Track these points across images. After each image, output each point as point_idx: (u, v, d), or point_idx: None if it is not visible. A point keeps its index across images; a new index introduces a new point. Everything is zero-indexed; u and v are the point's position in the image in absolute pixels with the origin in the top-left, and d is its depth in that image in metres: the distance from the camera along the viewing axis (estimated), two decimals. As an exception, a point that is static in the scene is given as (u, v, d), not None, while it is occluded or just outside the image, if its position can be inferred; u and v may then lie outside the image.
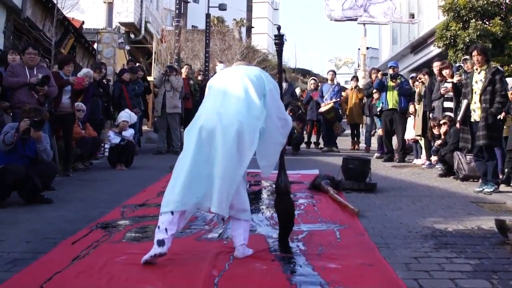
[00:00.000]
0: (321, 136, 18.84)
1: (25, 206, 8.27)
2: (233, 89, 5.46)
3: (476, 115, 9.80)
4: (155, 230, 5.32)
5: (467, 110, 9.97)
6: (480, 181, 10.16)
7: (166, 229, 5.23)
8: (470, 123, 9.94)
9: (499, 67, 11.02)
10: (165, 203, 5.30)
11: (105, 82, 15.85)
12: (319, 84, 19.81)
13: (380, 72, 16.75)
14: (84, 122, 13.21)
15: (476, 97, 9.82)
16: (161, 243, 5.21)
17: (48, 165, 8.67)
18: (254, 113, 5.36)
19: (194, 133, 5.27)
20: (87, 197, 9.19)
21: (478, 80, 9.83)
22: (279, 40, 6.19)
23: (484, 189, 9.72)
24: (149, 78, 20.62)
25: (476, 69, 9.94)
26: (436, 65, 13.43)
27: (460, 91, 11.62)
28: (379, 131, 16.46)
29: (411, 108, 14.96)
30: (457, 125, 10.40)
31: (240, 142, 5.22)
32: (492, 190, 9.51)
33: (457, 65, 13.75)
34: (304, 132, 18.60)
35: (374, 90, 16.05)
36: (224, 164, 5.17)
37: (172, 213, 5.23)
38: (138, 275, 5.00)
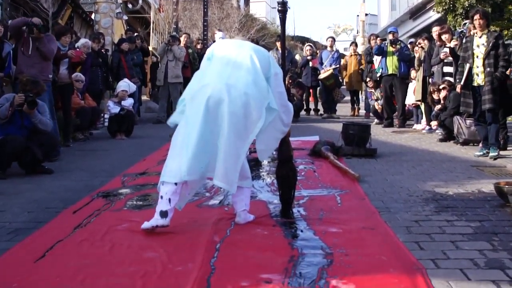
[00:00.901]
0: (321, 102, 18.79)
1: (26, 176, 8.28)
2: (242, 62, 5.33)
3: (479, 79, 9.72)
4: (158, 200, 5.29)
5: (470, 74, 9.89)
6: (481, 145, 10.14)
7: (169, 200, 5.18)
8: (472, 87, 9.88)
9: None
10: (168, 173, 5.22)
11: (104, 52, 15.77)
12: (317, 51, 19.71)
13: (378, 38, 16.65)
14: (83, 92, 13.17)
15: (478, 61, 9.73)
16: (164, 214, 5.18)
17: (48, 136, 8.65)
18: (262, 91, 5.28)
19: (202, 103, 5.13)
20: (87, 166, 9.20)
21: (480, 44, 9.74)
22: (283, 8, 6.15)
23: (484, 153, 9.71)
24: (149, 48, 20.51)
25: (476, 33, 9.86)
26: (435, 30, 13.34)
27: (458, 56, 11.57)
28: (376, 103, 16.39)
29: (412, 74, 14.89)
30: (458, 89, 10.31)
31: (248, 116, 5.16)
32: (496, 154, 9.48)
33: (460, 30, 13.65)
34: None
35: (375, 57, 15.96)
36: (230, 139, 5.11)
37: (175, 183, 5.19)
38: (140, 242, 5.02)
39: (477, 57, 9.73)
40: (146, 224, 5.25)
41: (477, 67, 9.73)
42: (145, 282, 4.08)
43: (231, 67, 5.28)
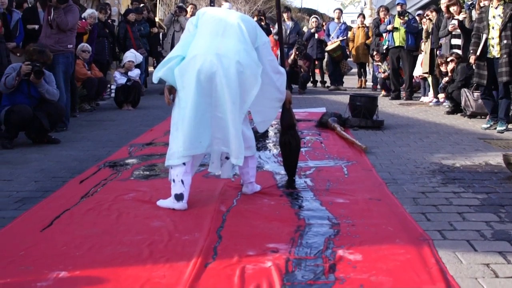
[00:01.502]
0: (327, 74, 18.73)
1: (33, 146, 8.29)
2: (231, 32, 5.17)
3: (494, 51, 9.60)
4: (170, 184, 5.19)
5: (485, 45, 9.76)
6: (488, 117, 10.09)
7: (182, 181, 5.12)
8: (487, 59, 9.77)
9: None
10: (171, 155, 5.15)
11: (110, 23, 15.71)
12: (323, 23, 19.61)
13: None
14: (90, 63, 13.13)
15: (494, 33, 9.57)
16: (179, 197, 5.11)
17: (55, 105, 8.64)
18: (253, 58, 5.16)
19: (193, 77, 4.98)
20: (94, 137, 9.20)
21: (496, 15, 9.59)
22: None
23: (491, 125, 9.67)
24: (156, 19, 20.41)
25: (492, 4, 9.72)
26: (443, 2, 13.20)
27: (466, 28, 11.47)
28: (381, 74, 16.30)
29: (422, 46, 14.78)
30: (472, 60, 10.18)
31: (242, 85, 5.06)
32: (504, 128, 9.43)
33: (469, 2, 13.52)
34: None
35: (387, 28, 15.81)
36: (232, 110, 5.00)
37: (184, 163, 5.13)
38: (147, 211, 5.04)
39: (493, 28, 9.58)
40: (162, 203, 5.23)
41: (492, 38, 9.60)
42: (152, 251, 4.10)
43: (220, 36, 5.12)
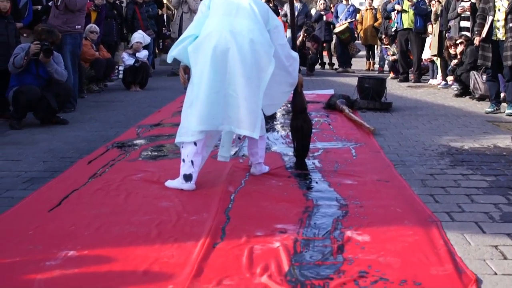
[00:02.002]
0: (336, 56, 18.68)
1: (41, 127, 8.31)
2: (243, 12, 5.15)
3: (499, 34, 9.50)
4: (180, 163, 5.19)
5: (491, 27, 9.66)
6: (490, 101, 9.97)
7: (192, 162, 5.10)
8: (491, 41, 9.69)
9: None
10: (185, 132, 5.13)
11: (119, 4, 15.67)
12: (331, 5, 19.54)
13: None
14: (98, 44, 13.12)
15: (499, 15, 9.44)
16: (188, 177, 5.10)
17: (64, 86, 8.64)
18: (266, 38, 5.15)
19: (207, 53, 4.96)
20: (102, 117, 9.21)
21: (503, -3, 9.52)
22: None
23: (494, 109, 9.57)
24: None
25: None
26: (452, -16, 13.15)
27: (477, 11, 11.38)
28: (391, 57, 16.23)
29: (429, 29, 14.69)
30: (476, 41, 10.11)
31: (257, 62, 5.04)
32: None
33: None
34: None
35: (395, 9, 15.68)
36: (246, 86, 4.98)
37: (195, 143, 5.11)
38: (155, 192, 5.05)
39: (499, 10, 9.46)
40: (170, 183, 5.22)
41: (498, 20, 9.49)
42: (160, 231, 4.11)
43: (233, 16, 5.11)
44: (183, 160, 5.13)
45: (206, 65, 4.96)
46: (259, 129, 5.12)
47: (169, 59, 5.37)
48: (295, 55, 5.61)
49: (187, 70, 5.19)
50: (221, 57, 4.96)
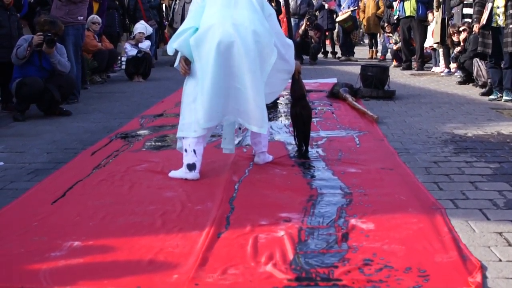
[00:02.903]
0: (338, 45, 18.64)
1: (45, 118, 8.31)
2: (242, 2, 5.11)
3: (500, 20, 9.43)
4: (182, 154, 5.19)
5: (490, 14, 9.61)
6: (493, 89, 9.93)
7: (194, 151, 5.10)
8: (491, 28, 9.63)
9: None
10: (187, 127, 5.12)
11: (120, -6, 15.65)
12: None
13: None
14: (100, 34, 13.10)
15: (499, 1, 9.39)
16: (192, 167, 5.10)
17: (67, 78, 8.63)
18: (267, 27, 5.14)
19: (211, 49, 4.92)
20: (105, 108, 9.21)
21: (503, -18, 9.46)
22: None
23: (497, 97, 9.53)
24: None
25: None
26: (455, -30, 13.09)
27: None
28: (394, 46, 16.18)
29: (429, 17, 14.63)
30: (475, 29, 10.06)
31: (260, 54, 5.04)
32: (510, 98, 9.33)
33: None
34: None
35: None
36: (252, 80, 4.99)
37: None
38: (159, 182, 5.06)
39: (499, -4, 9.45)
40: (174, 173, 5.22)
41: (498, 7, 9.45)
42: (164, 221, 4.12)
43: (233, 7, 5.07)
44: (185, 150, 5.13)
45: (211, 60, 4.94)
46: (267, 124, 5.17)
47: (170, 51, 5.30)
48: (290, 42, 5.59)
49: (187, 61, 5.14)
50: (226, 52, 4.94)
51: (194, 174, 5.09)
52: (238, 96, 5.05)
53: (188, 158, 5.11)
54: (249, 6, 5.10)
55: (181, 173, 5.16)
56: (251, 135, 5.60)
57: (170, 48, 5.21)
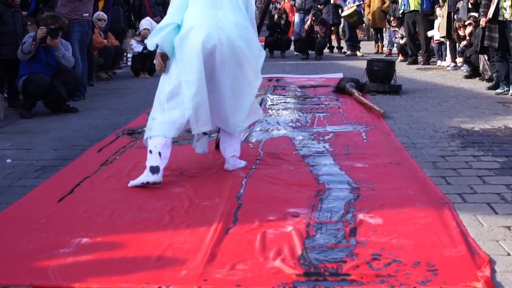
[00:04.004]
0: (344, 40, 18.60)
1: (51, 115, 8.32)
2: (227, 2, 4.95)
3: (507, 14, 9.37)
4: (147, 154, 4.96)
5: (497, 7, 9.55)
6: (500, 82, 9.90)
7: (159, 153, 4.83)
8: (498, 21, 9.59)
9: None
10: (160, 126, 4.89)
11: (126, -9, 15.64)
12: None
13: None
14: (106, 31, 13.09)
15: (507, -6, 9.39)
16: (155, 170, 4.82)
17: (73, 74, 8.64)
18: (250, 29, 5.06)
19: (194, 49, 4.76)
20: (112, 105, 9.21)
21: (509, -25, 9.41)
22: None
23: (504, 90, 9.49)
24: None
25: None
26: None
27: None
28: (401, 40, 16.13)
29: (438, 11, 14.57)
30: (482, 23, 10.01)
31: (246, 57, 4.95)
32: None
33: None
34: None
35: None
36: (233, 86, 4.93)
37: (165, 135, 4.89)
38: (166, 178, 5.03)
39: (506, -12, 9.40)
40: (134, 182, 4.91)
41: (505, 0, 9.41)
42: (172, 217, 4.13)
43: (218, 8, 4.90)
44: (150, 152, 4.88)
45: (195, 61, 4.77)
46: (240, 128, 5.11)
47: (150, 46, 5.07)
48: (263, 52, 5.33)
49: (164, 58, 4.94)
50: (209, 57, 4.81)
51: (156, 177, 4.83)
52: (216, 103, 4.95)
53: (152, 160, 4.86)
54: (234, 8, 4.99)
55: (143, 176, 4.89)
56: (221, 138, 5.41)
57: (151, 42, 4.99)
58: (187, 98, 4.80)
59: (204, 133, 5.31)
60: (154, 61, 5.15)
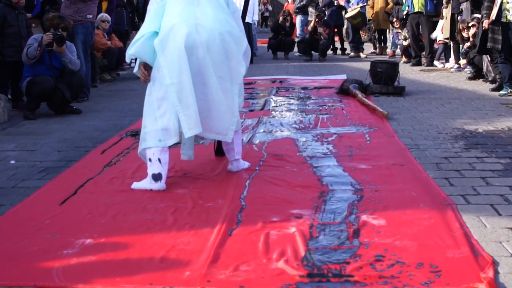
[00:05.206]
0: (348, 41, 18.60)
1: (55, 117, 8.33)
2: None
3: (510, 15, 9.36)
4: (147, 164, 4.91)
5: (500, 9, 9.55)
6: (503, 84, 9.88)
7: (159, 160, 4.80)
8: (501, 23, 9.58)
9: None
10: (153, 136, 4.81)
11: (129, -8, 15.66)
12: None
13: None
14: (110, 33, 13.11)
15: (510, -4, 9.38)
16: (157, 177, 4.81)
17: (77, 76, 8.65)
18: (233, 24, 4.95)
19: (175, 49, 4.66)
20: (115, 106, 9.22)
21: (512, -23, 9.41)
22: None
23: (508, 92, 9.48)
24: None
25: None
26: (464, -34, 13.02)
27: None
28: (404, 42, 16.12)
29: (444, 12, 14.55)
30: (485, 24, 10.01)
31: (228, 55, 4.83)
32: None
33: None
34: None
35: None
36: (219, 87, 4.80)
37: (160, 141, 4.82)
38: (170, 179, 5.04)
39: (509, -10, 9.40)
40: (137, 185, 4.92)
41: (508, 2, 9.42)
42: (176, 218, 4.13)
43: (196, 5, 4.80)
44: (150, 160, 4.85)
45: (176, 63, 4.67)
46: (232, 131, 4.95)
47: (127, 58, 5.01)
48: (249, 52, 5.26)
49: (147, 67, 4.83)
50: (191, 58, 4.70)
51: (160, 185, 4.81)
52: (203, 105, 4.80)
53: (153, 168, 4.84)
54: (214, 3, 4.89)
55: (146, 183, 4.87)
56: (222, 142, 5.31)
57: (128, 55, 4.89)
58: (175, 102, 4.70)
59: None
60: (135, 71, 5.02)
